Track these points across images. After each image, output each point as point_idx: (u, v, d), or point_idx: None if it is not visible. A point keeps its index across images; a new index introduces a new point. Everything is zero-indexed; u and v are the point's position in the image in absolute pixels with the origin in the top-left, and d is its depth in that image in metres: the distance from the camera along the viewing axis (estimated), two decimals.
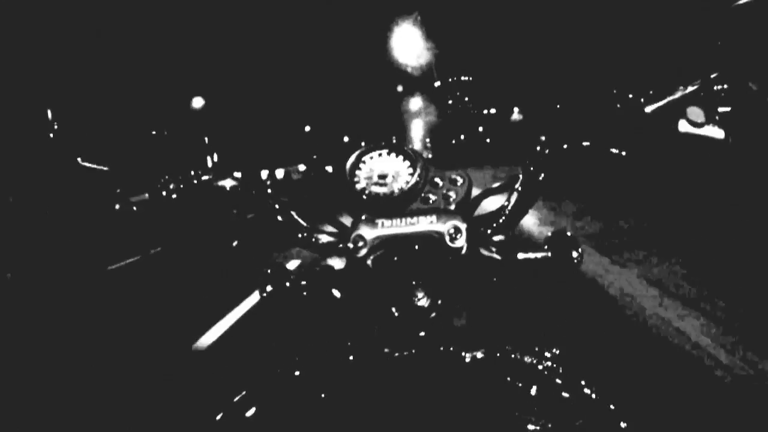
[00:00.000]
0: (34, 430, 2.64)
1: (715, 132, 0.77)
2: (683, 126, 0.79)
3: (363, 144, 0.97)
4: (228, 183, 0.93)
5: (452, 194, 0.99)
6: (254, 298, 4.49)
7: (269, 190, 0.95)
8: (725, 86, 0.76)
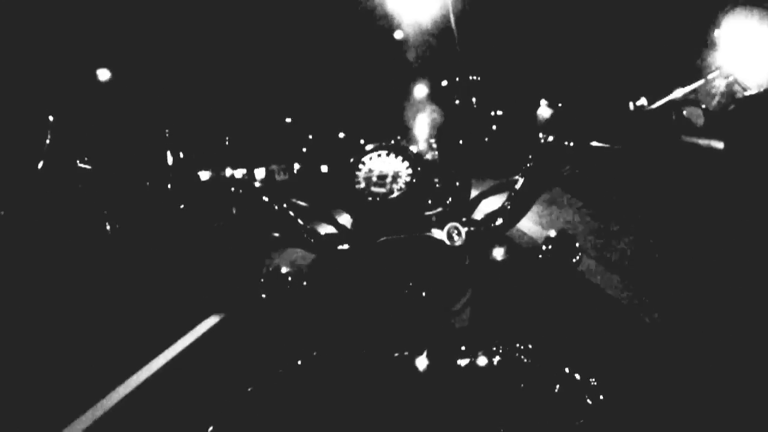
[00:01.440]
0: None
1: (714, 133, 0.78)
2: (683, 126, 0.80)
3: (362, 142, 0.98)
4: (228, 182, 0.94)
5: (452, 195, 1.00)
6: (254, 298, 4.49)
7: (269, 190, 0.95)
8: (725, 86, 0.77)
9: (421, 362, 0.72)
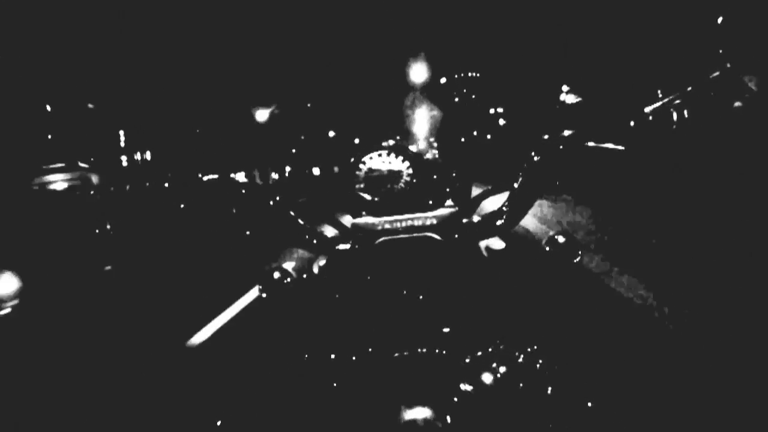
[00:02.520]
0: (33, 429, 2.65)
1: (716, 132, 0.78)
2: (684, 126, 0.80)
3: (357, 141, 0.98)
4: (230, 183, 0.94)
5: (452, 194, 1.00)
6: (254, 298, 4.51)
7: (270, 190, 0.96)
8: (725, 86, 0.77)
9: (422, 362, 0.72)
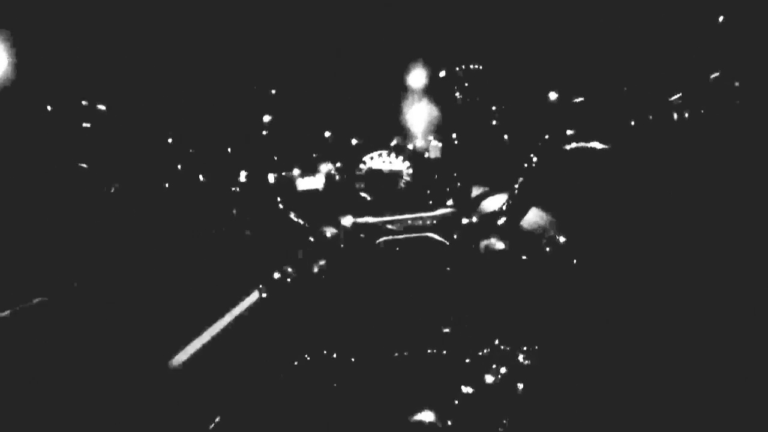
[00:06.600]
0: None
1: (713, 133, 0.79)
2: (682, 126, 0.81)
3: (354, 142, 0.99)
4: (232, 184, 0.95)
5: (453, 194, 1.01)
6: (254, 298, 4.51)
7: (271, 192, 0.97)
8: (725, 86, 0.78)
9: (422, 362, 0.73)
